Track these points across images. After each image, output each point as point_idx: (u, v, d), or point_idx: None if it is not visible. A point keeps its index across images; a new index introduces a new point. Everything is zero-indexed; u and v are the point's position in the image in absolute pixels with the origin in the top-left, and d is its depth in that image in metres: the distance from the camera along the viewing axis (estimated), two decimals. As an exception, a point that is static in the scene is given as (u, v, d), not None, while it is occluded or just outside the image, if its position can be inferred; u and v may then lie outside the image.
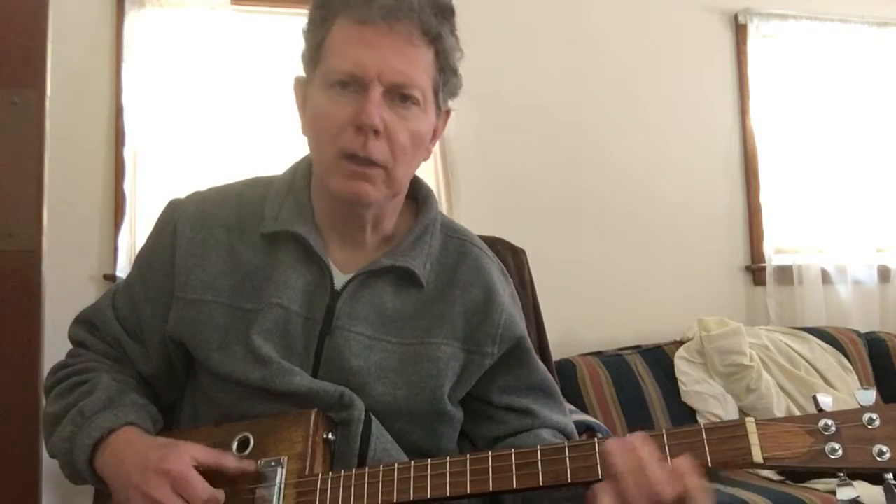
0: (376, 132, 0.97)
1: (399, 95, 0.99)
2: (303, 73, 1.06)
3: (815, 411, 0.80)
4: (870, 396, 0.78)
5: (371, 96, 0.97)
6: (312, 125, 1.03)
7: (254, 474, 0.96)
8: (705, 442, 0.80)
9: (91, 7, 2.95)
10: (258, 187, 1.13)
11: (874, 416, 0.77)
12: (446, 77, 1.04)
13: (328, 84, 0.99)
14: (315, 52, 1.02)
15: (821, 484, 2.46)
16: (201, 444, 1.01)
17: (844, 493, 0.77)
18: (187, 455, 0.94)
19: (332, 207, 1.07)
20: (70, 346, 1.16)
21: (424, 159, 1.09)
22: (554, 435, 1.11)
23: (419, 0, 0.98)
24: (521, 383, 1.11)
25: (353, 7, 0.97)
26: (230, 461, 0.95)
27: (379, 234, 1.10)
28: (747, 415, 3.00)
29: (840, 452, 0.76)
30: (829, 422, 0.78)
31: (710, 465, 0.79)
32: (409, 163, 1.04)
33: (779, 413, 2.97)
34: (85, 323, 1.15)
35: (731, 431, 0.79)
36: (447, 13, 1.03)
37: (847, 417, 0.78)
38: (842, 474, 0.77)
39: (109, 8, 2.96)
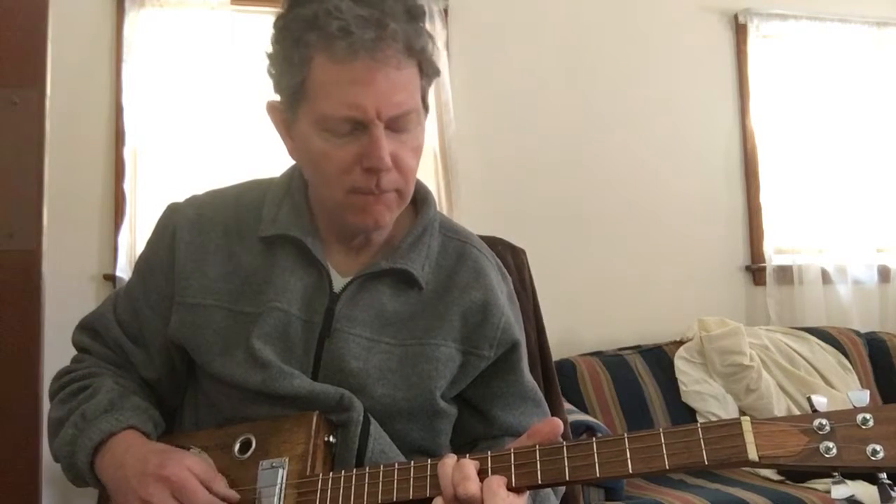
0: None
1: (398, 123, 0.97)
2: (271, 93, 1.03)
3: (811, 411, 0.80)
4: (863, 397, 0.79)
5: (376, 138, 0.95)
6: (310, 164, 1.02)
7: (254, 479, 0.96)
8: (701, 441, 0.80)
9: (91, 7, 2.95)
10: (255, 190, 1.13)
11: (868, 416, 0.77)
12: (429, 79, 1.02)
13: (323, 128, 0.97)
14: (296, 90, 0.97)
15: (820, 484, 2.46)
16: (202, 445, 1.01)
17: (839, 492, 0.78)
18: (186, 463, 0.95)
19: (336, 224, 1.07)
20: (72, 349, 1.16)
21: None
22: None
23: (396, 20, 0.94)
24: (510, 390, 1.11)
25: (334, 45, 0.92)
26: (218, 487, 0.95)
27: (381, 237, 1.10)
28: (747, 415, 3.00)
29: (834, 451, 0.77)
30: (824, 421, 0.78)
31: (706, 463, 0.79)
32: (415, 175, 1.04)
33: (778, 413, 2.97)
34: (87, 329, 1.15)
35: (727, 430, 0.80)
36: (420, 16, 0.99)
37: (841, 417, 0.78)
38: (836, 473, 0.78)
39: (109, 8, 2.97)
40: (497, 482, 0.84)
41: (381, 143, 0.95)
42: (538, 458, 0.86)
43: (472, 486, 0.84)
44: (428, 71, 1.01)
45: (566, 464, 0.84)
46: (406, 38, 0.95)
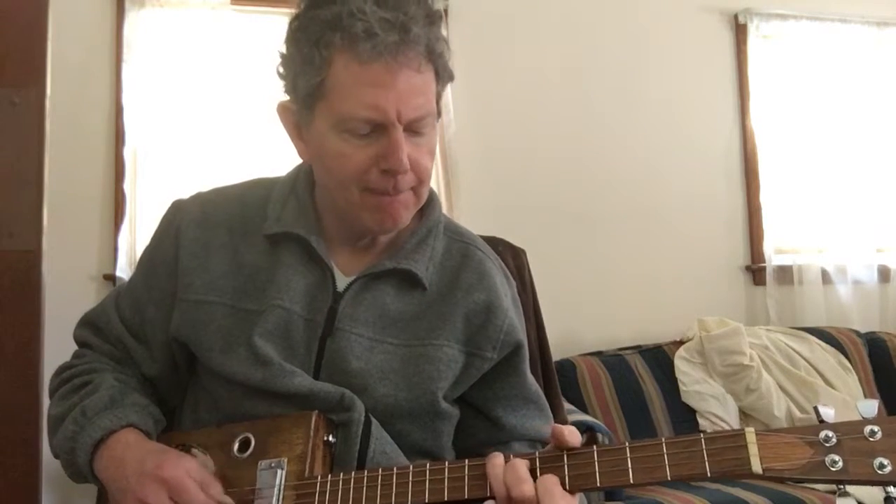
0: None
1: (416, 126, 0.98)
2: (283, 95, 1.03)
3: (816, 421, 0.79)
4: (872, 408, 0.77)
5: (396, 140, 0.95)
6: (325, 165, 1.01)
7: (253, 479, 0.96)
8: (704, 451, 0.79)
9: (91, 7, 2.95)
10: (260, 188, 1.13)
11: (876, 428, 0.75)
12: (444, 84, 1.03)
13: (342, 129, 0.97)
14: (314, 91, 0.97)
15: (821, 484, 2.46)
16: (202, 443, 1.01)
17: None
18: (184, 464, 0.95)
19: (345, 224, 1.07)
20: (72, 349, 1.16)
21: None
22: (531, 446, 1.11)
23: (419, 24, 0.94)
24: (512, 392, 1.11)
25: (358, 46, 0.93)
26: (214, 491, 0.94)
27: (385, 239, 1.10)
28: (747, 415, 3.00)
29: (840, 465, 0.75)
30: (830, 433, 0.76)
31: (708, 474, 0.78)
32: (430, 177, 1.04)
33: (778, 413, 2.97)
34: (89, 325, 1.15)
35: (731, 441, 0.78)
36: (438, 21, 1.00)
37: (848, 429, 0.76)
38: (841, 486, 0.76)
39: (109, 8, 2.96)
40: (551, 481, 0.84)
41: (401, 146, 0.96)
42: (538, 466, 0.85)
43: (528, 486, 0.83)
44: (443, 76, 1.02)
45: (566, 472, 0.84)
46: (427, 42, 0.96)
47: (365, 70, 0.93)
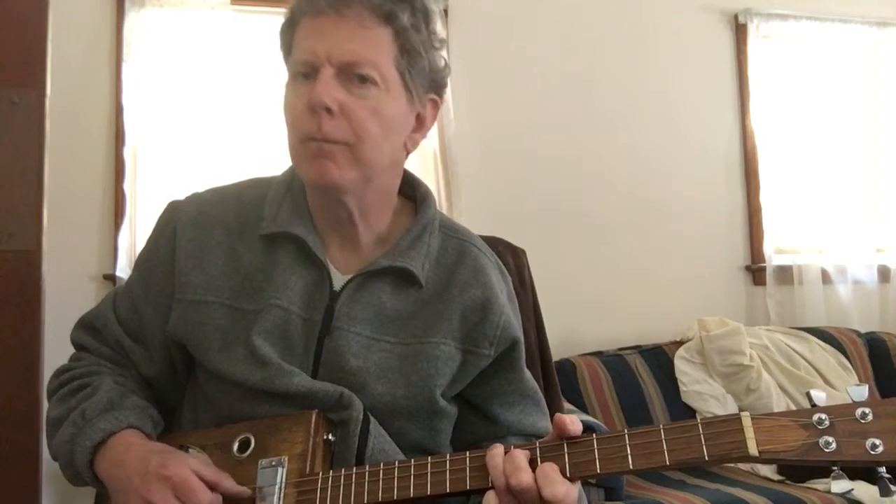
0: (329, 110, 0.97)
1: (356, 77, 0.99)
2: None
3: (810, 406, 0.81)
4: (862, 392, 0.80)
5: (321, 77, 0.98)
6: (286, 122, 1.04)
7: (253, 478, 0.96)
8: (702, 436, 0.81)
9: (91, 7, 2.95)
10: (257, 188, 1.13)
11: (867, 410, 0.78)
12: (411, 58, 1.03)
13: (291, 77, 1.03)
14: (287, 54, 1.05)
15: (820, 484, 2.46)
16: (201, 444, 1.01)
17: (838, 486, 0.78)
18: (189, 462, 0.95)
19: (317, 201, 1.07)
20: (72, 349, 1.16)
21: (410, 151, 1.09)
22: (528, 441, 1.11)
23: None
24: (510, 388, 1.11)
25: (307, 5, 1.01)
26: (228, 484, 0.95)
27: (373, 233, 1.10)
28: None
29: (834, 446, 0.78)
30: (823, 416, 0.79)
31: (706, 458, 0.80)
32: (377, 143, 1.01)
33: (778, 413, 2.97)
34: (87, 327, 1.15)
35: (727, 426, 0.81)
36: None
37: (840, 412, 0.79)
38: (836, 468, 0.79)
39: (109, 8, 2.97)
40: (551, 468, 0.85)
41: (324, 81, 0.98)
42: (538, 455, 0.86)
43: (526, 475, 0.84)
44: (406, 46, 1.02)
45: (567, 460, 0.85)
46: (378, 2, 0.99)
47: (312, 22, 1.00)
